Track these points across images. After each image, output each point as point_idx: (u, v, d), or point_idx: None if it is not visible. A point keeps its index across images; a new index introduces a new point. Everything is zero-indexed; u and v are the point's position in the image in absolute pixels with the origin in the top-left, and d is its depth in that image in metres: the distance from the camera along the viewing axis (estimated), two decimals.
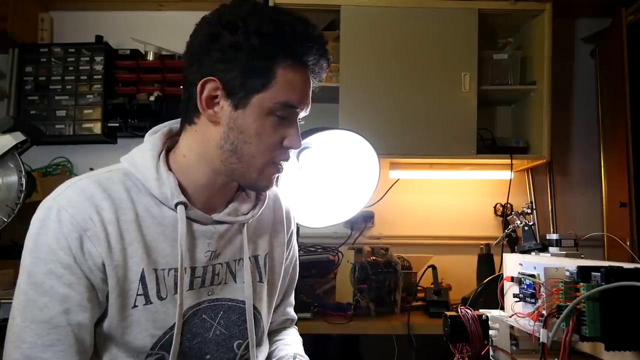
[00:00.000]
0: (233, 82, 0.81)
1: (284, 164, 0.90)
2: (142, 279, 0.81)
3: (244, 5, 0.82)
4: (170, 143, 0.91)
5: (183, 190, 0.86)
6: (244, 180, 0.88)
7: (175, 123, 0.94)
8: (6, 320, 1.46)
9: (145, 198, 0.84)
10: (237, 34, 0.79)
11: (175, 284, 0.84)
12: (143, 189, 0.85)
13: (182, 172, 0.87)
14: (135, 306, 0.81)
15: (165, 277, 0.83)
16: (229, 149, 0.84)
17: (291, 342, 1.08)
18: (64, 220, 0.77)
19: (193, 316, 0.87)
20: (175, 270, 0.84)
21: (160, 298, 0.83)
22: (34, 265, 0.77)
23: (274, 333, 1.13)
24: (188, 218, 0.85)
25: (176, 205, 0.83)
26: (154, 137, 0.90)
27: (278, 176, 0.98)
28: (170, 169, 0.87)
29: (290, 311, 1.15)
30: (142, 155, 0.87)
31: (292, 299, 1.15)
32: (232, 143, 0.83)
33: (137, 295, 0.81)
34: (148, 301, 0.82)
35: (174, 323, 0.83)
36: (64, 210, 0.78)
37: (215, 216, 0.89)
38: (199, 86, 0.82)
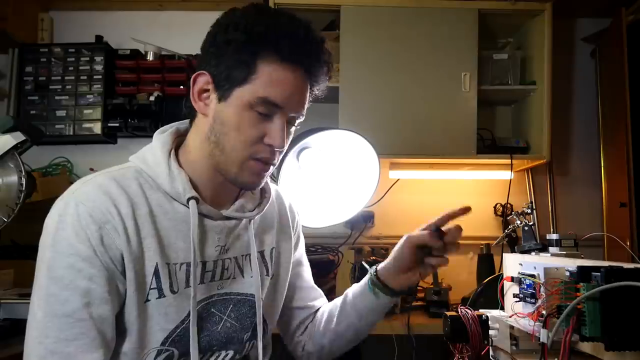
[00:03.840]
0: (220, 75, 0.84)
1: (274, 164, 0.90)
2: (156, 272, 0.83)
3: (250, 8, 0.85)
4: (177, 142, 0.94)
5: (193, 186, 0.88)
6: (227, 174, 0.88)
7: (182, 123, 0.97)
8: (6, 320, 1.46)
9: (157, 194, 0.86)
10: (229, 32, 0.82)
11: (188, 277, 0.86)
12: (155, 185, 0.87)
13: (191, 168, 0.90)
14: (148, 300, 0.83)
15: (177, 271, 0.85)
16: (213, 141, 0.86)
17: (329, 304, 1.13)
18: (82, 214, 0.78)
19: (203, 310, 0.89)
20: (188, 264, 0.86)
21: (172, 292, 0.84)
22: (54, 259, 0.78)
23: (312, 317, 1.13)
24: (199, 213, 0.88)
25: (188, 200, 0.86)
26: (163, 136, 0.92)
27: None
28: (180, 165, 0.89)
29: (324, 301, 1.16)
30: (152, 153, 0.89)
31: (317, 287, 1.16)
32: (215, 135, 0.85)
33: (150, 289, 0.83)
34: (161, 295, 0.83)
35: (185, 316, 0.85)
36: (82, 204, 0.79)
37: (225, 212, 0.91)
38: (192, 79, 0.87)
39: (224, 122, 0.84)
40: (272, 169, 0.91)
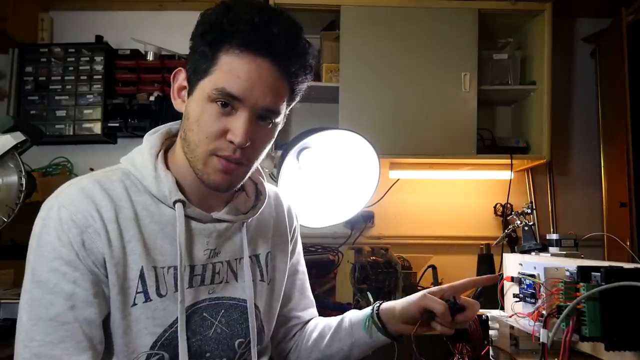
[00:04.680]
0: (190, 70, 0.83)
1: (243, 163, 0.83)
2: (142, 276, 0.82)
3: (220, 3, 0.81)
4: (169, 143, 0.92)
5: (181, 189, 0.86)
6: (196, 173, 0.84)
7: (175, 124, 0.95)
8: (6, 320, 1.46)
9: (144, 197, 0.85)
10: (197, 27, 0.81)
11: (175, 281, 0.84)
12: (142, 187, 0.85)
13: (178, 169, 0.88)
14: (134, 304, 0.81)
15: (164, 275, 0.84)
16: (183, 137, 0.85)
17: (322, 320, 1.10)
18: (64, 218, 0.78)
19: (193, 314, 0.87)
20: (175, 268, 0.84)
21: (159, 295, 0.83)
22: (38, 263, 0.78)
23: (301, 326, 1.11)
24: (187, 216, 0.86)
25: (174, 203, 0.84)
26: (152, 137, 0.91)
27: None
28: (168, 168, 0.87)
29: (314, 312, 1.14)
30: (140, 155, 0.88)
31: (311, 297, 1.15)
32: (184, 130, 0.84)
33: (137, 293, 0.82)
34: (147, 298, 0.82)
35: (173, 321, 0.83)
36: (64, 208, 0.79)
37: (215, 214, 0.89)
38: (172, 77, 0.86)
39: (190, 116, 0.82)
40: (246, 168, 0.85)
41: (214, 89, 0.78)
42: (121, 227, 0.81)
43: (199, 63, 0.80)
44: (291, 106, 0.89)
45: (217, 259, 0.90)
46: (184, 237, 0.84)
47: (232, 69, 0.78)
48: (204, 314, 0.88)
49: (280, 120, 0.86)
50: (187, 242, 0.86)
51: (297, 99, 0.89)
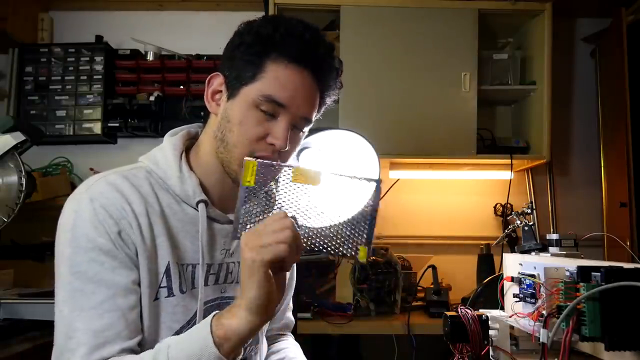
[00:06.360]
0: (231, 75, 0.86)
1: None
2: (167, 271, 0.84)
3: (264, 17, 0.87)
4: (188, 144, 0.95)
5: (202, 189, 0.89)
6: (230, 173, 0.88)
7: (193, 127, 0.98)
8: (6, 320, 1.46)
9: (167, 195, 0.87)
10: (242, 36, 0.85)
11: (193, 279, 0.87)
12: (164, 186, 0.88)
13: (201, 170, 0.90)
14: (157, 298, 0.83)
15: (184, 272, 0.86)
16: (219, 138, 0.87)
17: (298, 354, 1.11)
18: (98, 209, 0.79)
19: (207, 312, 0.88)
20: (194, 266, 0.87)
21: (181, 291, 0.85)
22: (75, 255, 0.78)
23: (275, 338, 1.15)
24: (207, 216, 0.88)
25: (197, 203, 0.87)
26: (174, 138, 0.93)
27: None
28: (190, 168, 0.90)
29: (289, 315, 1.19)
30: (163, 155, 0.90)
31: (290, 304, 1.18)
32: (221, 131, 0.87)
33: (160, 287, 0.83)
34: (170, 293, 0.84)
35: (191, 317, 0.85)
36: (96, 200, 0.80)
37: (231, 216, 0.92)
38: (207, 81, 0.89)
39: (230, 118, 0.85)
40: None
41: (260, 95, 0.82)
42: (151, 222, 0.83)
43: (243, 70, 0.84)
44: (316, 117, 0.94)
45: (230, 260, 0.93)
46: (206, 236, 0.87)
47: (279, 78, 0.83)
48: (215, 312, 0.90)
49: (307, 129, 0.91)
50: (207, 241, 0.89)
51: (322, 110, 0.93)
